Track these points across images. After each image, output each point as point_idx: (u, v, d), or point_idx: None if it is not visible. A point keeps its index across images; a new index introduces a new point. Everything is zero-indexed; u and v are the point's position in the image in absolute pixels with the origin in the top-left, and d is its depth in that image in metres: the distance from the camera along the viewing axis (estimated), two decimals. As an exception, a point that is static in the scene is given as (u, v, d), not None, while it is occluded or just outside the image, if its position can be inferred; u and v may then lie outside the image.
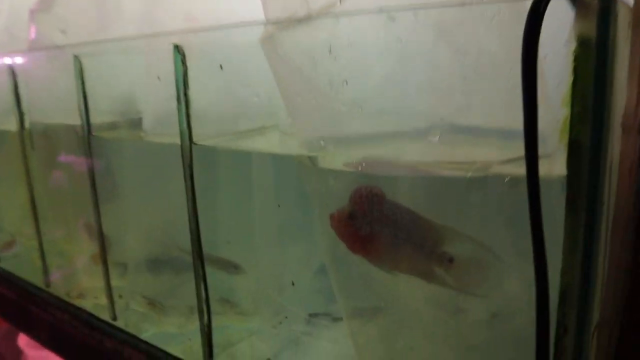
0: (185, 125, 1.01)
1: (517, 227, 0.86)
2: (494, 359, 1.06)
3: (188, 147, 1.03)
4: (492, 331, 1.05)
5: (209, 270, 1.26)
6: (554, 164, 0.68)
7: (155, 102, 1.18)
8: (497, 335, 1.06)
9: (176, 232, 1.29)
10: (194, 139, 1.03)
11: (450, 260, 0.92)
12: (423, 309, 1.10)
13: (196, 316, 1.21)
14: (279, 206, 1.08)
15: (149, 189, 1.24)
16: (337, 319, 1.24)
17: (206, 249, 1.20)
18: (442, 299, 1.07)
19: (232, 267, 1.28)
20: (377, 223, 0.92)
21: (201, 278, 1.09)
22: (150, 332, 1.35)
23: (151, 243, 1.35)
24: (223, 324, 1.27)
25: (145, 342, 1.30)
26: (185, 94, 0.99)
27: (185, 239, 1.17)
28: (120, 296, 1.39)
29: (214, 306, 1.24)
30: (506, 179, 0.77)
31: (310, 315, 1.30)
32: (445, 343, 1.10)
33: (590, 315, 0.70)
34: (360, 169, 0.82)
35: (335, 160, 0.85)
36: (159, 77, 1.14)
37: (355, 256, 0.95)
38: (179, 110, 1.01)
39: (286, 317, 1.18)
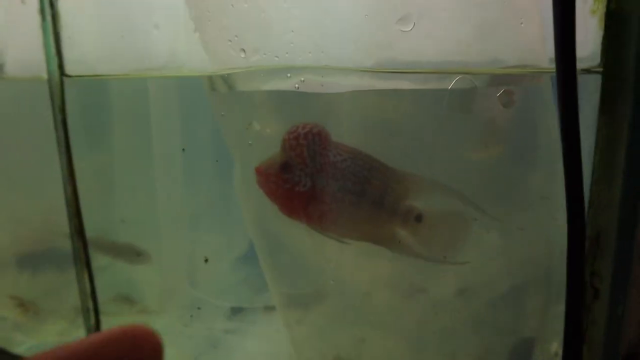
0: (53, 50, 0.71)
1: (512, 164, 0.64)
2: (461, 349, 0.84)
3: (58, 82, 0.72)
4: (458, 312, 0.84)
5: (103, 260, 0.95)
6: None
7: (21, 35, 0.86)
8: (466, 317, 0.84)
9: (60, 213, 0.97)
10: (68, 71, 0.73)
11: (418, 218, 0.69)
12: (375, 291, 0.86)
13: (81, 320, 0.90)
14: (188, 166, 0.80)
15: (17, 151, 0.91)
16: (268, 310, 0.97)
17: (95, 232, 0.90)
18: (399, 277, 0.84)
19: (133, 254, 0.97)
20: (321, 174, 0.67)
21: (84, 265, 0.79)
22: (26, 345, 1.01)
23: (24, 229, 1.01)
24: (121, 328, 0.96)
25: (17, 358, 0.96)
26: (52, 5, 0.69)
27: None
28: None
29: (108, 305, 0.93)
30: (499, 93, 0.55)
31: (234, 308, 1.02)
32: (402, 331, 0.87)
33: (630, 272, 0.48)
34: (297, 87, 0.57)
35: (261, 79, 0.59)
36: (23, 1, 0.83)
37: (292, 222, 0.69)
38: (43, 29, 0.70)
39: (199, 309, 0.89)
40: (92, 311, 0.81)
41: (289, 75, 0.57)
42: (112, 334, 0.24)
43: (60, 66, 0.72)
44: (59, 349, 0.24)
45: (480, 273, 0.80)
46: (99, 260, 0.95)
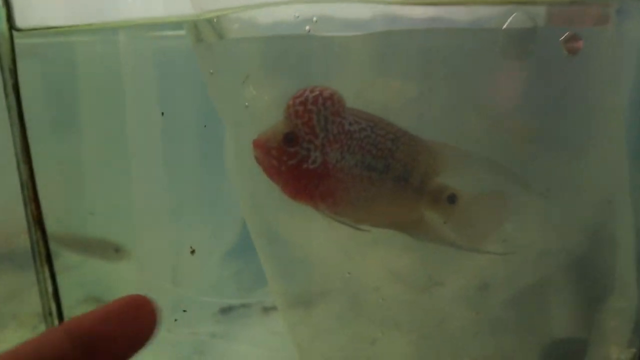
0: (-1, -1, 0.57)
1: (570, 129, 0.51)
2: (479, 350, 0.73)
3: (7, 38, 0.58)
4: (481, 308, 0.72)
5: (71, 259, 0.80)
6: None
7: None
8: (489, 313, 0.72)
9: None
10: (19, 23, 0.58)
11: (451, 198, 0.56)
12: (386, 285, 0.74)
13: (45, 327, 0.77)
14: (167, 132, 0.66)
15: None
16: (263, 310, 0.83)
17: (60, 227, 0.75)
18: (413, 269, 0.72)
19: (110, 250, 0.82)
20: (335, 147, 0.54)
21: (45, 261, 0.64)
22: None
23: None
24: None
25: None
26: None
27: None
28: None
29: (76, 309, 0.79)
30: (563, 36, 0.43)
31: (223, 309, 0.89)
32: (417, 330, 0.75)
33: None
34: (309, 30, 0.43)
35: (260, 22, 0.46)
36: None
37: (297, 206, 0.56)
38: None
39: (184, 311, 0.75)
40: (55, 315, 0.66)
41: (297, 15, 0.44)
42: (112, 309, 0.25)
43: (9, 18, 0.57)
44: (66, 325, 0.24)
45: (509, 262, 0.68)
46: (66, 259, 0.81)
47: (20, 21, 0.58)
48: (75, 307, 0.80)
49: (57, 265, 0.72)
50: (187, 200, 0.82)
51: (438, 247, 0.65)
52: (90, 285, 0.83)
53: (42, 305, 0.69)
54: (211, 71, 0.52)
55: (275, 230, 0.60)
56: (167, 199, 0.76)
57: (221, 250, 0.92)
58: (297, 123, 0.53)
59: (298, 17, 0.44)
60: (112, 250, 0.78)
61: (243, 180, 0.57)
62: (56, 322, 0.69)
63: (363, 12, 0.42)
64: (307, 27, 0.44)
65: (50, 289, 0.68)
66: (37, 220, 0.65)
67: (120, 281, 0.83)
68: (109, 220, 0.79)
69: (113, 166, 0.73)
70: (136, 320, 0.25)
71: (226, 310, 0.86)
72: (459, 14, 0.46)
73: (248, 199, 0.58)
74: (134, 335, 0.25)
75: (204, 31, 0.50)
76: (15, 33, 0.57)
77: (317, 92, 0.53)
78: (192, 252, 0.65)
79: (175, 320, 0.73)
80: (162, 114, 0.62)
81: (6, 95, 0.60)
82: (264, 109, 0.55)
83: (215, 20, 0.47)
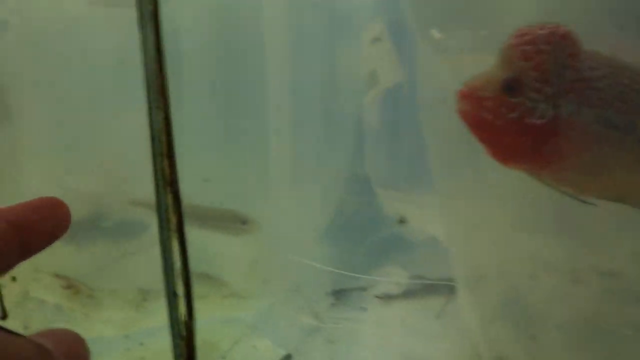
0: None
1: None
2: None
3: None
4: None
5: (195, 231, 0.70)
6: None
7: None
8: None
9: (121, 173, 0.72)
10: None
11: None
12: (542, 274, 0.63)
13: (150, 305, 0.67)
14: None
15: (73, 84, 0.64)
16: (389, 297, 0.72)
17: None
18: (570, 256, 0.61)
19: (237, 223, 0.70)
20: (569, 98, 0.43)
21: (175, 233, 0.54)
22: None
23: (75, 190, 0.75)
24: (199, 316, 0.72)
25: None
26: None
27: (142, 185, 0.60)
28: (14, 278, 0.78)
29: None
30: None
31: (334, 292, 0.78)
32: (577, 328, 0.64)
33: None
34: None
35: None
36: None
37: (511, 173, 0.45)
38: None
39: (341, 291, 0.64)
40: (182, 296, 0.56)
41: None
42: (31, 203, 0.27)
43: None
44: None
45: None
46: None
47: None
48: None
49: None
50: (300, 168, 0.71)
51: (601, 233, 0.55)
52: (197, 260, 0.73)
53: (166, 284, 0.58)
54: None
55: (473, 203, 0.49)
56: (293, 165, 0.65)
57: (318, 227, 0.81)
58: (523, 67, 0.42)
59: None
60: (239, 223, 0.68)
61: (437, 140, 0.46)
62: (183, 305, 0.58)
63: None
64: None
65: (178, 264, 0.57)
66: (169, 181, 0.53)
67: (231, 255, 0.73)
68: (221, 189, 0.69)
69: (237, 128, 0.62)
70: (52, 216, 0.27)
71: (339, 293, 0.76)
72: None
73: (440, 161, 0.47)
74: (51, 228, 0.27)
75: None
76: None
77: (548, 30, 0.42)
78: (401, 221, 0.53)
79: (332, 304, 0.63)
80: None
81: (142, 26, 0.49)
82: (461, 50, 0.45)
83: None
